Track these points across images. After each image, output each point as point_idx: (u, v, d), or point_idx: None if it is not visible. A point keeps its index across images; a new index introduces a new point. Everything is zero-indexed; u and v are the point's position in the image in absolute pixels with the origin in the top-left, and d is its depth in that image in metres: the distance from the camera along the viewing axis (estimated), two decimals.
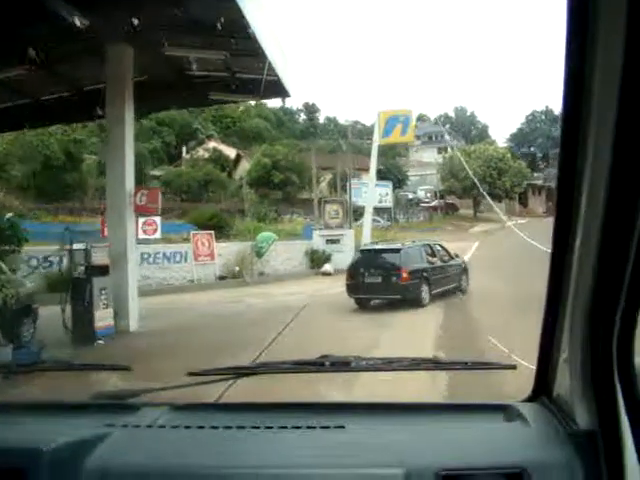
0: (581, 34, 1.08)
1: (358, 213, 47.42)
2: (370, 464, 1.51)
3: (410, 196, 58.71)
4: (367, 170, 55.95)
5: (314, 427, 1.73)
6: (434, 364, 2.26)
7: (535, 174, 70.81)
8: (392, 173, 56.39)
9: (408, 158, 79.08)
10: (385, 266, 15.98)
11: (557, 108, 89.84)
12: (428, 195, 59.66)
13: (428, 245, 17.81)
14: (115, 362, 2.49)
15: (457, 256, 18.33)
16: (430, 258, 16.98)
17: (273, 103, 75.21)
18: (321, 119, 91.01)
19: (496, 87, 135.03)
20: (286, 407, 2.02)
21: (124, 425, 1.79)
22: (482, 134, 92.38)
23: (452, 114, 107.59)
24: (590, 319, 1.35)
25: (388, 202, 48.59)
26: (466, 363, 2.17)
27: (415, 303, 15.28)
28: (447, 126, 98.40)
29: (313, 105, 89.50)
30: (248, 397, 2.20)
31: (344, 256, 23.27)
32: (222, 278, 21.07)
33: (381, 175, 54.90)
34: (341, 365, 2.26)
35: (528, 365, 2.00)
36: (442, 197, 54.88)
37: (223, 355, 7.82)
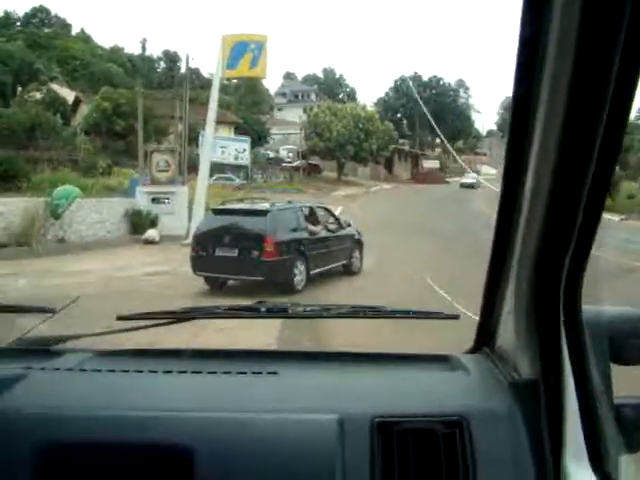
0: (535, 22, 1.06)
1: (213, 169, 43.46)
2: (303, 409, 1.51)
3: (271, 155, 55.77)
4: (225, 123, 53.00)
5: (245, 372, 1.69)
6: (374, 312, 2.17)
7: (401, 140, 69.76)
8: (252, 129, 52.19)
9: (272, 115, 75.78)
10: (245, 234, 12.29)
11: (426, 74, 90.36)
12: (290, 155, 56.62)
13: (309, 208, 14.13)
14: None
15: (349, 225, 14.69)
16: (311, 226, 13.30)
17: (131, 49, 69.52)
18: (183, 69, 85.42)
19: (365, 50, 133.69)
20: (216, 354, 1.98)
21: (42, 368, 1.72)
22: (350, 97, 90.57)
23: (321, 75, 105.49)
24: (537, 267, 1.34)
25: (245, 159, 44.79)
26: (408, 312, 2.14)
27: (284, 288, 11.58)
28: (315, 86, 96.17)
29: (175, 54, 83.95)
30: (180, 343, 2.37)
31: (174, 219, 19.26)
32: (1, 246, 15.62)
33: (240, 130, 50.91)
34: (277, 311, 2.27)
35: (472, 315, 1.95)
36: (305, 157, 51.44)
37: None
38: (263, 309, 2.12)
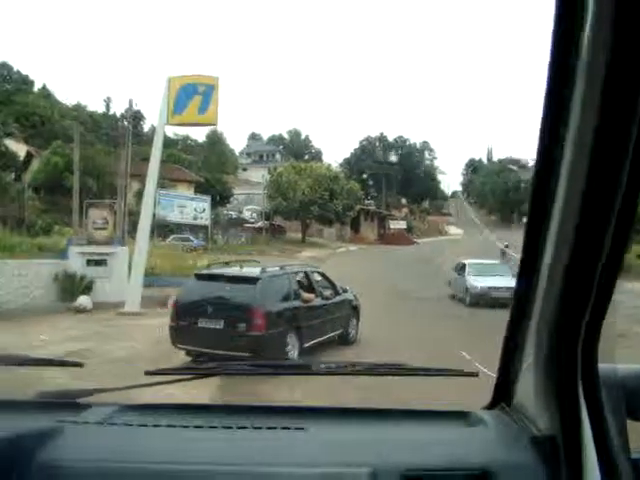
0: (564, 54, 1.12)
1: (168, 229, 41.51)
2: (334, 463, 1.55)
3: (234, 215, 54.43)
4: (185, 181, 51.37)
5: (274, 428, 1.73)
6: (396, 369, 2.19)
7: (367, 201, 68.99)
8: (214, 188, 50.50)
9: (236, 175, 74.80)
10: (231, 304, 10.86)
11: (392, 135, 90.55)
12: (254, 215, 55.19)
13: (303, 273, 12.77)
14: None
15: (345, 290, 13.52)
16: (304, 294, 11.97)
17: (94, 106, 68.41)
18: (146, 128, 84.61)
19: (332, 111, 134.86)
20: (245, 409, 2.04)
21: (73, 422, 1.74)
22: (316, 158, 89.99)
23: (286, 136, 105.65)
24: (556, 327, 1.39)
25: (205, 219, 42.94)
26: (429, 370, 2.15)
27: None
28: (280, 147, 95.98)
29: (138, 112, 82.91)
30: (207, 398, 2.74)
31: (112, 284, 16.84)
32: None
33: (201, 189, 49.17)
34: (302, 368, 2.31)
35: (490, 373, 1.99)
36: (268, 218, 49.83)
37: None
38: (286, 366, 2.35)
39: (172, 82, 14.61)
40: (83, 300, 15.83)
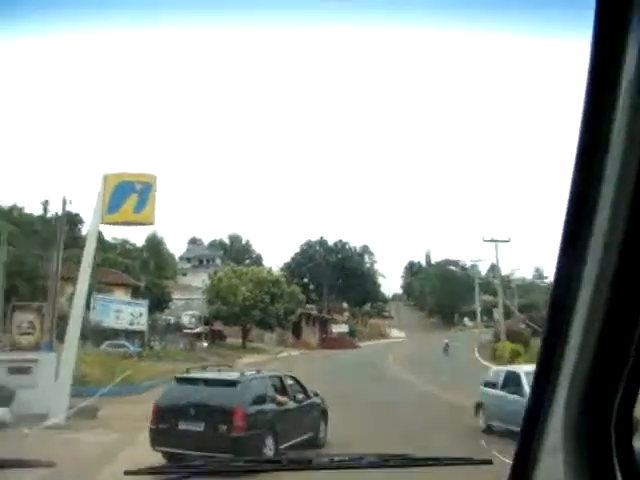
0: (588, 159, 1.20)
1: (104, 335, 39.82)
2: None
3: (172, 320, 52.54)
4: (122, 285, 50.04)
5: None
6: (405, 460, 2.10)
7: (308, 305, 68.51)
8: (152, 293, 49.23)
9: (176, 280, 73.50)
10: (212, 407, 11.51)
11: (332, 239, 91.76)
12: (193, 321, 53.75)
13: (278, 378, 13.61)
14: None
15: (316, 394, 14.30)
16: (279, 397, 12.68)
17: (32, 209, 66.82)
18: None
19: (271, 216, 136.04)
20: None
21: None
22: (257, 262, 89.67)
23: (227, 241, 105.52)
24: (586, 402, 1.31)
25: (142, 325, 41.61)
26: (439, 459, 2.07)
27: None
28: (221, 252, 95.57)
29: (76, 215, 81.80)
30: None
31: (36, 394, 15.44)
32: None
33: (139, 293, 47.89)
34: (301, 462, 2.25)
35: (504, 459, 1.85)
36: (208, 323, 48.65)
37: None
38: (286, 461, 2.24)
39: (108, 180, 14.21)
40: (1, 412, 14.54)
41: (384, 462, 2.02)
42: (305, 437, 12.84)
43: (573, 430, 1.33)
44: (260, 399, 12.17)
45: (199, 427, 11.20)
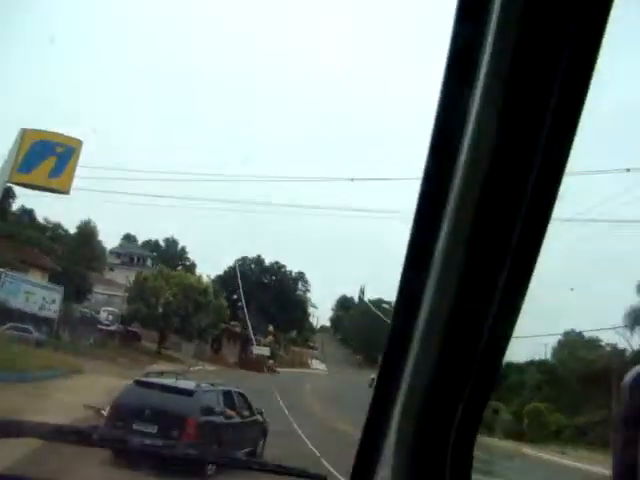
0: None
1: (8, 316, 36.94)
2: None
3: (89, 314, 49.96)
4: (39, 267, 47.14)
5: None
6: (244, 463, 2.29)
7: (233, 322, 66.70)
8: (72, 281, 46.59)
9: (102, 273, 70.60)
10: (167, 412, 12.29)
11: (268, 258, 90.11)
12: (110, 318, 51.19)
13: (229, 392, 14.68)
14: None
15: (260, 413, 15.55)
16: (228, 410, 13.72)
17: None
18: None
19: (209, 226, 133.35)
20: None
21: None
22: (189, 270, 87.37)
23: (162, 243, 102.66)
24: (422, 422, 1.29)
25: (53, 311, 38.93)
26: (278, 467, 2.07)
27: (195, 472, 10.19)
28: (154, 253, 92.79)
29: (10, 189, 78.21)
30: None
31: None
32: None
33: (57, 279, 45.19)
34: (115, 441, 2.49)
35: (340, 478, 1.62)
36: (125, 322, 46.31)
37: None
38: (97, 437, 2.25)
39: (25, 135, 12.50)
40: None
41: (230, 461, 2.17)
42: (247, 450, 13.18)
43: (407, 447, 1.31)
44: (211, 410, 13.10)
45: (152, 429, 11.78)
